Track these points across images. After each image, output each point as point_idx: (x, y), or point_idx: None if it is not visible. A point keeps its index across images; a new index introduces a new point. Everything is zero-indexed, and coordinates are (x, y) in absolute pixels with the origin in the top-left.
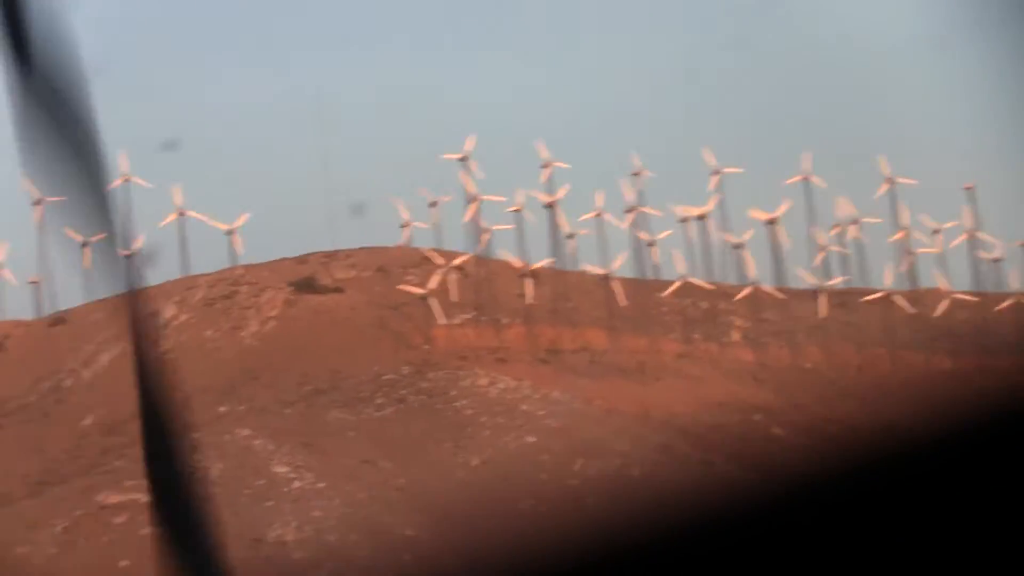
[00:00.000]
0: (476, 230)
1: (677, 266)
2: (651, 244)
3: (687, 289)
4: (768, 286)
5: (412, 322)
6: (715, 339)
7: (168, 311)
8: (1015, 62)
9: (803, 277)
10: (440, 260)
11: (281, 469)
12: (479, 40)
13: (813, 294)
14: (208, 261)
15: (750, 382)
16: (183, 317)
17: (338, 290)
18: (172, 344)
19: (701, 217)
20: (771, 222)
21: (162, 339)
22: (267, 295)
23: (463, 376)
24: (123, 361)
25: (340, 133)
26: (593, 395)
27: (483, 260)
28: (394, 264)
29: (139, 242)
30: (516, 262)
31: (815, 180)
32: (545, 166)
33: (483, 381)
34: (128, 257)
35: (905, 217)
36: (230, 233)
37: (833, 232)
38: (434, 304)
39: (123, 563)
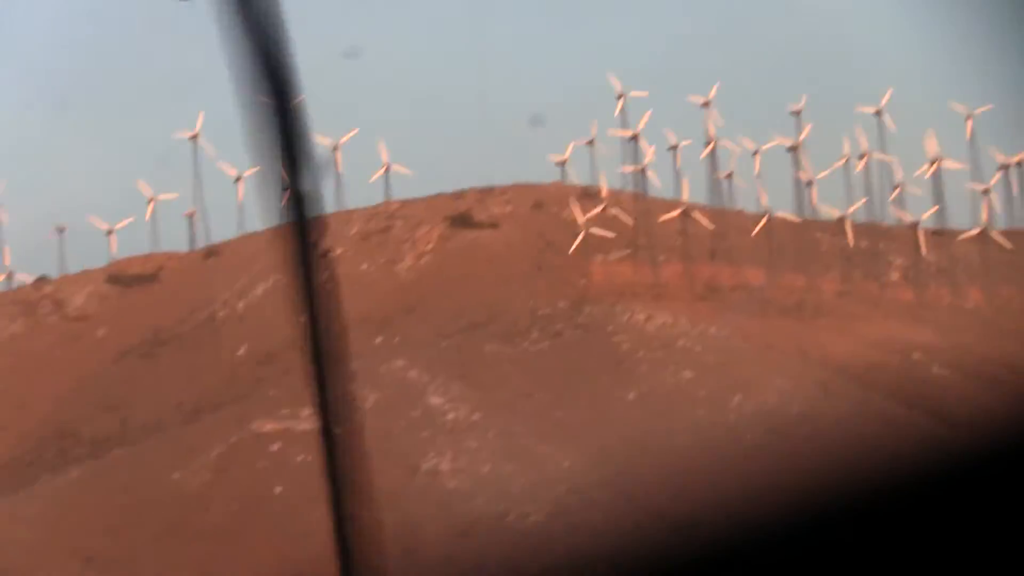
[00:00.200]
0: (637, 169)
1: (833, 207)
2: (809, 184)
3: (845, 228)
4: (924, 227)
5: (568, 258)
6: (874, 278)
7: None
8: None
9: (893, 213)
10: (597, 197)
11: (436, 400)
12: None
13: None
14: (362, 195)
15: (910, 321)
16: (338, 250)
17: (494, 225)
18: (327, 276)
19: (862, 157)
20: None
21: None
22: (423, 229)
23: (620, 312)
24: (277, 293)
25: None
26: (751, 332)
27: (642, 197)
28: (550, 201)
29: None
30: (675, 200)
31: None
32: (705, 104)
33: (640, 316)
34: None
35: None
36: (386, 168)
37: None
38: (591, 240)
39: (277, 489)
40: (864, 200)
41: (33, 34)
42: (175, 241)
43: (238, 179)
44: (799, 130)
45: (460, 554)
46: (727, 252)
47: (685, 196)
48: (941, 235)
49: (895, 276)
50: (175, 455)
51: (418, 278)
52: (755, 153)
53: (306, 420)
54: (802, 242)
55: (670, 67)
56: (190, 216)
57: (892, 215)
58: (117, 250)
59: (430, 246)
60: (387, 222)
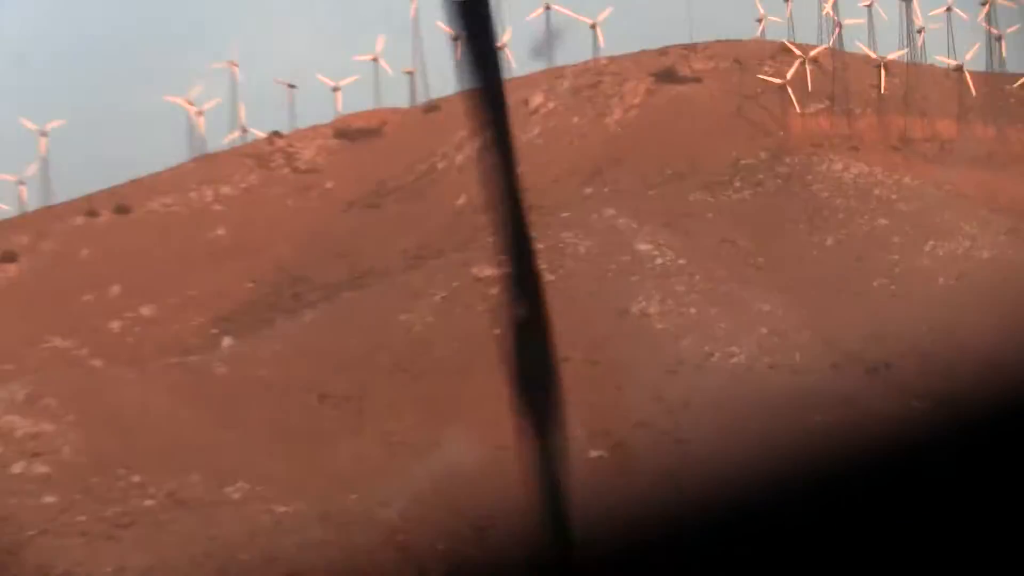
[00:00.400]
0: (830, 24)
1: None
2: (999, 38)
3: None
4: None
5: (768, 111)
6: None
7: (536, 99)
8: None
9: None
10: (795, 52)
11: (644, 247)
12: None
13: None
14: (572, 53)
15: None
16: (551, 105)
17: (697, 80)
18: (541, 130)
19: None
20: None
21: (521, 128)
22: (630, 84)
23: (818, 162)
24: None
25: None
26: (943, 181)
27: (837, 52)
28: (750, 56)
29: (507, 35)
30: (869, 54)
31: None
32: None
33: (838, 166)
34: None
35: None
36: (594, 27)
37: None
38: (790, 93)
39: (497, 331)
40: None
41: None
42: (397, 97)
43: (456, 38)
44: None
45: (669, 391)
46: (919, 105)
47: (878, 52)
48: None
49: None
50: (401, 298)
51: (625, 131)
52: (947, 9)
53: None
54: (992, 95)
55: None
56: (410, 74)
57: None
58: (342, 107)
59: (637, 100)
60: (596, 78)
